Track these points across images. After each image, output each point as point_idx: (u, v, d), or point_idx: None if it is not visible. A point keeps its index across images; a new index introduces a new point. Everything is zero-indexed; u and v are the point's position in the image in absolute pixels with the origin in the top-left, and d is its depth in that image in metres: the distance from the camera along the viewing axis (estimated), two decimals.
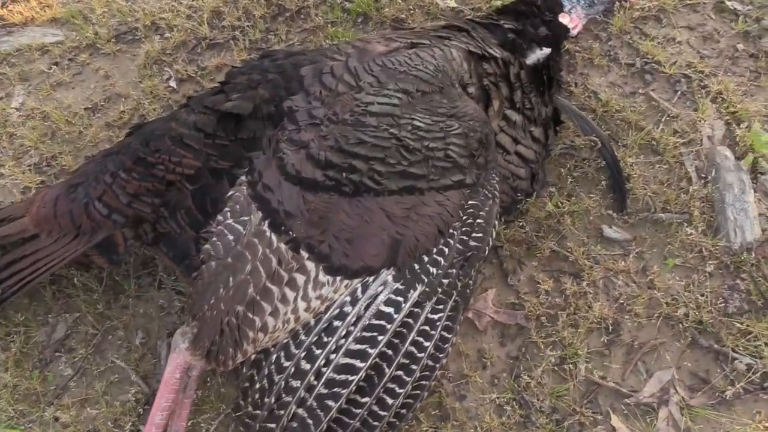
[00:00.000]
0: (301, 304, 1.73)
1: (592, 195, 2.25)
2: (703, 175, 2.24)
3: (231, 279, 1.75)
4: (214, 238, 1.80)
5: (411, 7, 2.69)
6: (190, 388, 1.94)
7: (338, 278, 1.74)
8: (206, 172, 1.87)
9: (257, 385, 1.75)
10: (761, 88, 2.41)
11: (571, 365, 1.99)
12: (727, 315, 2.02)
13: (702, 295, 2.05)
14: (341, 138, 1.76)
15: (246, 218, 1.79)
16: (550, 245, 2.18)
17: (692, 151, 2.29)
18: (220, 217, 1.83)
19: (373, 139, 1.76)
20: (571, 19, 2.35)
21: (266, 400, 1.74)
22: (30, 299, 2.24)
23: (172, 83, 2.64)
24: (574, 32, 2.37)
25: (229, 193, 1.84)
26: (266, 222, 1.76)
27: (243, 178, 1.84)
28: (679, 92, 2.43)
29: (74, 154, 2.52)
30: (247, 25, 2.73)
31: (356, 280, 1.74)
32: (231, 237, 1.78)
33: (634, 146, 2.31)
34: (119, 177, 1.95)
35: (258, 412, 1.75)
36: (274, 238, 1.75)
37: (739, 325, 1.99)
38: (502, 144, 2.04)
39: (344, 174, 1.74)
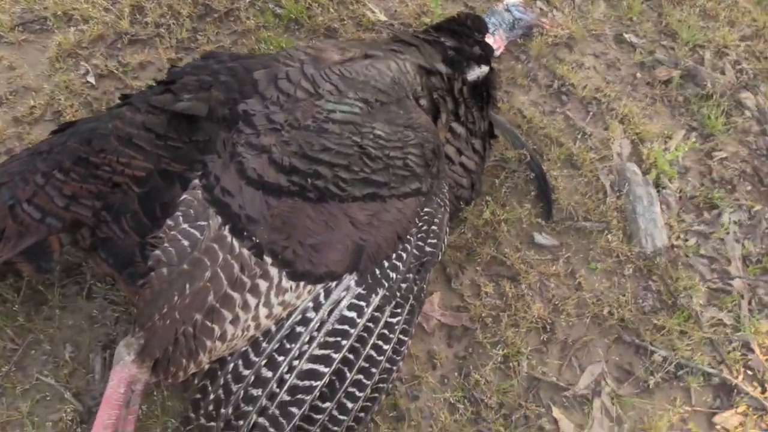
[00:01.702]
0: (263, 311, 1.69)
1: (523, 204, 2.41)
2: (616, 188, 2.49)
3: (188, 286, 1.66)
4: (166, 244, 1.70)
5: (343, 18, 2.73)
6: (134, 404, 1.80)
7: (301, 284, 1.73)
8: (156, 174, 1.78)
9: (211, 396, 1.69)
10: (658, 113, 2.73)
11: (514, 363, 2.12)
12: (644, 313, 2.26)
13: (623, 295, 2.27)
14: (305, 144, 1.76)
15: (203, 223, 1.71)
16: (489, 251, 2.30)
17: (606, 166, 2.54)
18: (170, 222, 1.73)
19: (337, 146, 1.78)
20: (495, 41, 2.52)
21: (222, 410, 1.68)
22: None
23: (90, 78, 2.46)
24: (497, 53, 2.54)
25: (182, 197, 1.75)
26: (227, 227, 1.71)
27: (197, 181, 1.76)
28: (591, 113, 2.68)
29: None
30: (173, 23, 2.62)
31: (319, 286, 1.75)
32: (186, 242, 1.70)
33: (557, 161, 2.51)
34: (54, 177, 1.79)
35: (212, 423, 1.69)
36: (235, 243, 1.70)
37: (655, 321, 2.24)
38: (448, 155, 2.14)
39: (309, 180, 1.74)
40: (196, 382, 1.72)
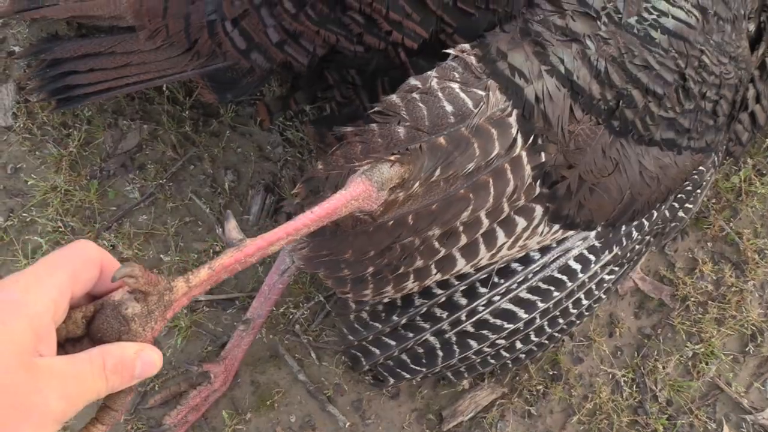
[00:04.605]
0: (502, 253, 1.35)
1: None
2: None
3: (438, 172, 1.20)
4: (415, 95, 1.22)
5: None
6: (289, 275, 1.59)
7: (555, 227, 1.37)
8: (431, 44, 1.33)
9: (386, 299, 1.44)
10: None
11: (703, 363, 1.80)
12: None
13: None
14: (626, 51, 1.29)
15: (479, 92, 1.22)
16: (722, 223, 1.88)
17: None
18: (414, 82, 1.23)
19: (659, 67, 1.32)
20: None
21: (394, 317, 1.46)
22: None
23: None
24: None
25: (443, 62, 1.27)
26: (514, 112, 1.23)
27: (466, 46, 1.28)
28: None
29: None
30: None
31: (570, 233, 1.40)
32: (449, 107, 1.21)
33: None
34: (281, 4, 1.35)
35: (376, 324, 1.47)
36: (520, 142, 1.24)
37: None
38: (745, 98, 1.66)
39: (621, 103, 1.30)
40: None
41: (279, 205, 1.76)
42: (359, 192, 1.11)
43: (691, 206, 1.56)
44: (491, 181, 1.23)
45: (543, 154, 1.26)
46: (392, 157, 1.14)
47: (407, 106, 1.21)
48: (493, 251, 1.33)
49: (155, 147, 1.76)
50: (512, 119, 1.23)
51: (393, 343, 1.49)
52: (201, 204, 1.74)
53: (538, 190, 1.29)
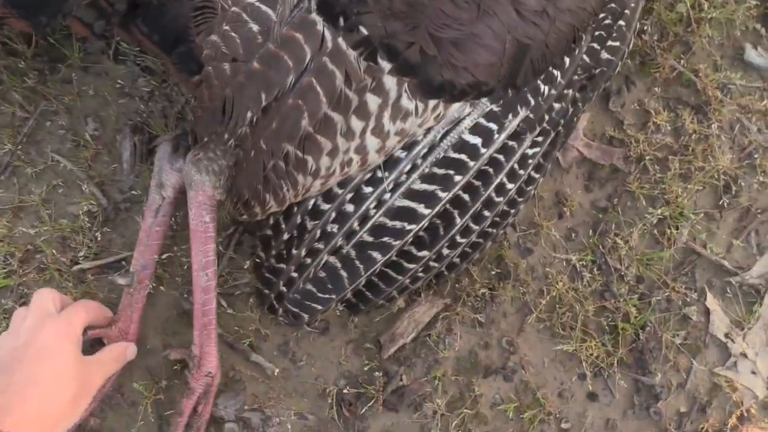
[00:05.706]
0: (372, 142, 1.15)
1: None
2: None
3: (263, 96, 1.12)
4: (226, 27, 1.12)
5: None
6: (165, 214, 1.39)
7: (433, 103, 1.14)
8: None
9: (284, 236, 1.28)
10: None
11: (672, 228, 1.55)
12: None
13: None
14: None
15: None
16: (673, 63, 1.59)
17: None
18: None
19: None
20: None
21: (294, 251, 1.28)
22: None
23: None
24: None
25: None
26: (312, 3, 1.08)
27: None
28: None
29: None
30: None
31: (457, 105, 1.17)
32: (255, 27, 1.11)
33: None
34: None
35: (283, 266, 1.31)
36: (328, 35, 1.08)
37: None
38: None
39: None
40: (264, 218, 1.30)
41: (151, 145, 1.53)
42: (204, 206, 1.27)
43: (617, 43, 1.27)
44: (314, 80, 1.08)
45: (362, 28, 1.07)
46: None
47: (225, 40, 1.13)
48: (357, 142, 1.13)
49: (2, 110, 1.53)
50: (314, 15, 1.08)
51: (295, 274, 1.31)
52: (66, 162, 1.52)
53: (385, 64, 1.08)
